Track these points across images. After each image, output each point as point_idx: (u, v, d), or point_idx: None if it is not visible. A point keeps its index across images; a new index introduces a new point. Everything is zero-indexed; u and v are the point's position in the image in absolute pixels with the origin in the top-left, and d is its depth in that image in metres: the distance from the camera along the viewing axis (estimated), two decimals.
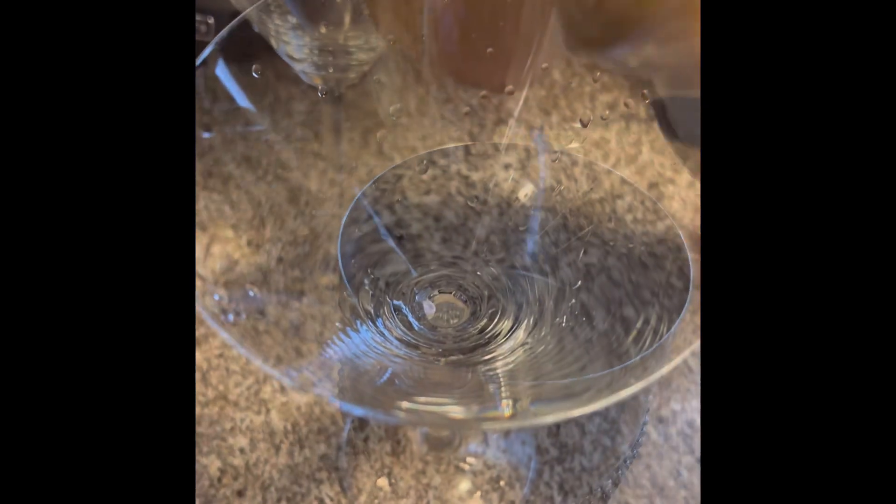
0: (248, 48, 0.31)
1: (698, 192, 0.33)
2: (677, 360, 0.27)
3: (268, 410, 0.46)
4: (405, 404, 0.29)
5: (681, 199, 0.33)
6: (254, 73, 0.32)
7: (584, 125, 0.35)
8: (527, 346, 0.34)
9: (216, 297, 0.27)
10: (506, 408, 0.31)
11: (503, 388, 0.32)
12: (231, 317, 0.27)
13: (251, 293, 0.30)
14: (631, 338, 0.32)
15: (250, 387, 0.46)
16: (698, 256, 0.32)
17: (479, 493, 0.46)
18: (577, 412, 0.25)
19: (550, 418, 0.27)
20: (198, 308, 0.25)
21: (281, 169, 0.33)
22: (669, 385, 0.47)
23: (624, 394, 0.25)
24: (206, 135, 0.29)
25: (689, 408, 0.47)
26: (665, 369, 0.26)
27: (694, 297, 0.32)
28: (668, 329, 0.31)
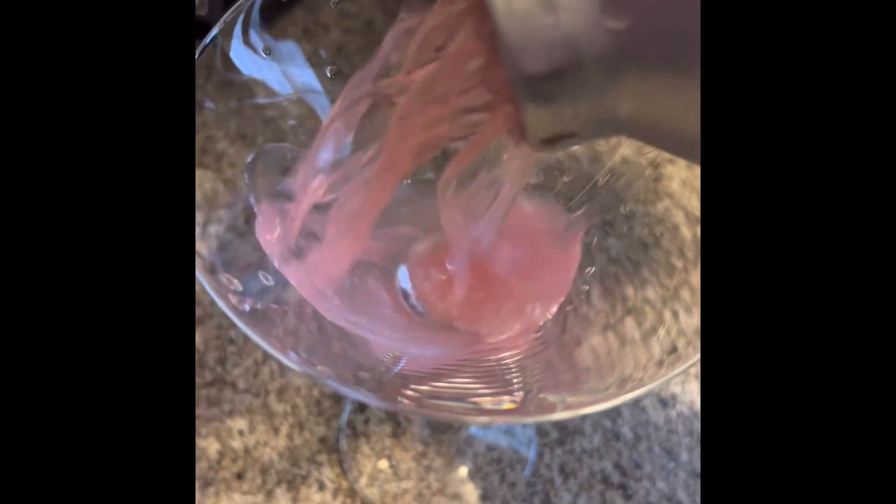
0: (254, 24, 0.31)
1: (697, 174, 0.33)
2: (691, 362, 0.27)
3: (267, 392, 0.46)
4: (416, 394, 0.29)
5: (680, 179, 0.33)
6: (262, 54, 0.32)
7: None
8: (538, 336, 0.34)
9: (232, 287, 0.27)
10: (518, 398, 0.31)
11: (516, 379, 0.32)
12: (248, 307, 0.27)
13: (265, 281, 0.30)
14: (634, 319, 0.32)
15: (249, 368, 0.46)
16: (697, 236, 0.32)
17: (480, 475, 0.46)
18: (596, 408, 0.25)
19: (559, 415, 0.27)
20: (219, 302, 0.25)
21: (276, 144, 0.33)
22: None
23: (641, 391, 0.26)
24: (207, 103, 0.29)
25: (688, 390, 0.47)
26: (679, 370, 0.26)
27: (691, 277, 0.31)
28: (668, 307, 0.31)
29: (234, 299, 0.27)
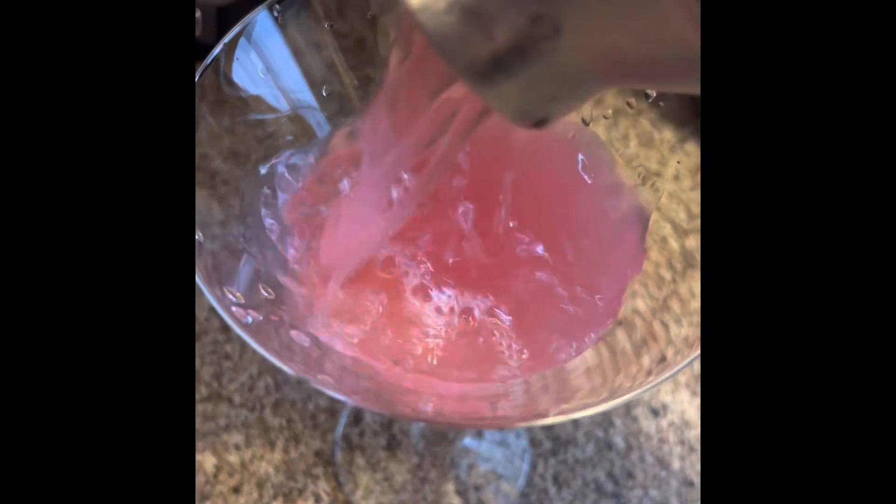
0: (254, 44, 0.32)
1: (684, 186, 0.33)
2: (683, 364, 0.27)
3: (262, 406, 0.46)
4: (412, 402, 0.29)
5: (667, 192, 0.33)
6: (260, 74, 0.32)
7: (587, 123, 0.35)
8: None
9: (232, 298, 0.28)
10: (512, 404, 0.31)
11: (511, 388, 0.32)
12: (250, 318, 0.28)
13: (265, 293, 0.30)
14: (625, 331, 0.32)
15: (244, 383, 0.46)
16: (692, 245, 0.32)
17: (474, 487, 0.46)
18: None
19: (551, 420, 0.27)
20: (224, 315, 0.26)
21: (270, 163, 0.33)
22: None
23: (629, 396, 0.26)
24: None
25: (678, 399, 0.47)
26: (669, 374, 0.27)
27: (680, 288, 0.32)
28: (657, 318, 0.32)
29: (237, 311, 0.27)
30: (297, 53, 0.34)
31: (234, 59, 0.31)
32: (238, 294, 0.28)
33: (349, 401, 0.26)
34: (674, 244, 0.33)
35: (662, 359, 0.29)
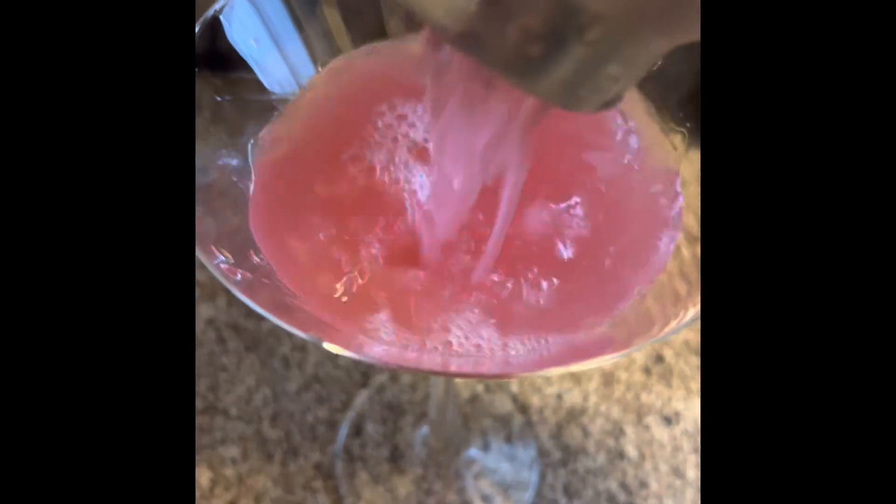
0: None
1: (691, 192, 0.32)
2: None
3: (260, 419, 0.45)
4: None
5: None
6: (252, 42, 0.32)
7: None
8: None
9: (221, 259, 0.27)
10: None
11: None
12: (239, 276, 0.27)
13: (255, 260, 0.29)
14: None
15: (241, 395, 0.45)
16: (696, 255, 0.31)
17: (481, 498, 0.45)
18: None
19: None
20: (212, 270, 0.25)
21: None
22: (671, 385, 0.46)
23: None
24: None
25: (691, 407, 0.46)
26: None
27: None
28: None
29: (225, 268, 0.26)
30: (296, 22, 0.32)
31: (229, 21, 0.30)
32: (227, 254, 0.27)
33: (360, 356, 0.25)
34: (685, 252, 0.31)
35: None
